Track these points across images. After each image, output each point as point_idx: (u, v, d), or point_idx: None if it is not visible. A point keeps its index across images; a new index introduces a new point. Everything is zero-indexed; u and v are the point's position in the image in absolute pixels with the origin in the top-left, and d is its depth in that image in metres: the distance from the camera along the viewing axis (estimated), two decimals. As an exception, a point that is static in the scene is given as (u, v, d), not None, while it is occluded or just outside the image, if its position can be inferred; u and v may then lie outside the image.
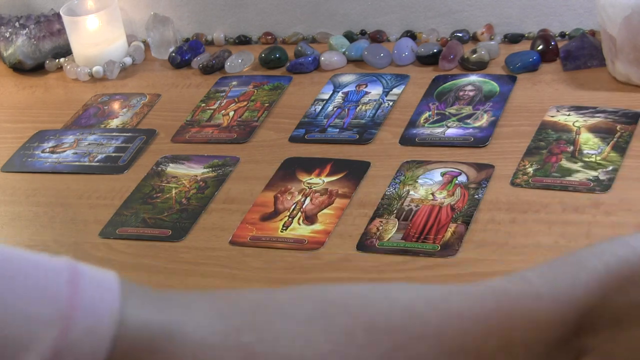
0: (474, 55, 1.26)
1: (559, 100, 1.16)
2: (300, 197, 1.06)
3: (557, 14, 1.31)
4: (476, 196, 1.01)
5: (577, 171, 1.02)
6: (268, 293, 0.61)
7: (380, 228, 0.98)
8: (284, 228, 1.01)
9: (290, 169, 1.11)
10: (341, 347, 0.55)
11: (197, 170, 1.14)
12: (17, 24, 1.45)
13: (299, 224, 1.01)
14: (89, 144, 1.24)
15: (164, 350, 0.54)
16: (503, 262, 0.91)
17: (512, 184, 1.02)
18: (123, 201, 1.10)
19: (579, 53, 1.22)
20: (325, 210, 1.03)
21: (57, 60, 1.46)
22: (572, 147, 1.06)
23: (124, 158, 1.19)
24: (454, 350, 0.56)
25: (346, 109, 1.22)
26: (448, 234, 0.96)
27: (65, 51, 1.46)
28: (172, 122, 1.26)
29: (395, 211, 1.00)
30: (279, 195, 1.07)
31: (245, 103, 1.28)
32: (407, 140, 1.14)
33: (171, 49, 1.42)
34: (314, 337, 0.55)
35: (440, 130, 1.14)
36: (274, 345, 0.55)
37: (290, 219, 1.02)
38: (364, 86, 1.27)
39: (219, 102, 1.29)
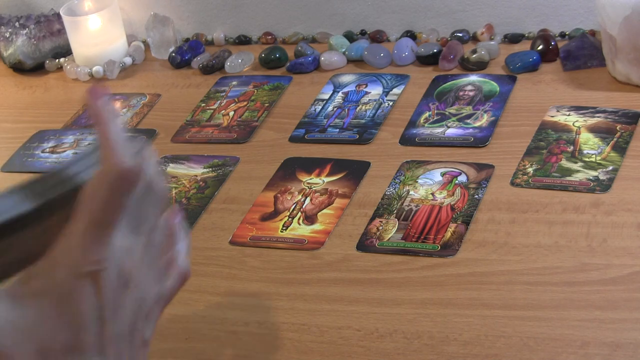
0: (474, 55, 1.26)
1: (559, 100, 1.16)
2: (300, 197, 1.06)
3: (557, 14, 1.31)
4: (476, 196, 1.01)
5: (577, 171, 1.02)
6: None
7: (380, 228, 0.98)
8: (284, 228, 1.01)
9: (290, 169, 1.11)
10: None
11: (197, 170, 1.14)
12: (17, 24, 1.45)
13: (299, 224, 1.01)
14: (89, 144, 1.24)
15: None
16: (503, 262, 0.91)
17: (512, 184, 1.02)
18: (123, 201, 1.10)
19: (579, 53, 1.22)
20: (325, 210, 1.03)
21: (57, 60, 1.46)
22: (572, 147, 1.06)
23: (124, 158, 1.19)
24: None
25: (346, 109, 1.22)
26: (448, 234, 0.96)
27: (65, 51, 1.46)
28: (172, 122, 1.26)
29: (395, 211, 1.00)
30: (279, 195, 1.07)
31: (245, 103, 1.28)
32: (407, 140, 1.14)
33: (171, 49, 1.42)
34: None
35: (440, 130, 1.14)
36: None
37: (290, 219, 1.02)
38: (364, 86, 1.26)
39: (219, 102, 1.29)
